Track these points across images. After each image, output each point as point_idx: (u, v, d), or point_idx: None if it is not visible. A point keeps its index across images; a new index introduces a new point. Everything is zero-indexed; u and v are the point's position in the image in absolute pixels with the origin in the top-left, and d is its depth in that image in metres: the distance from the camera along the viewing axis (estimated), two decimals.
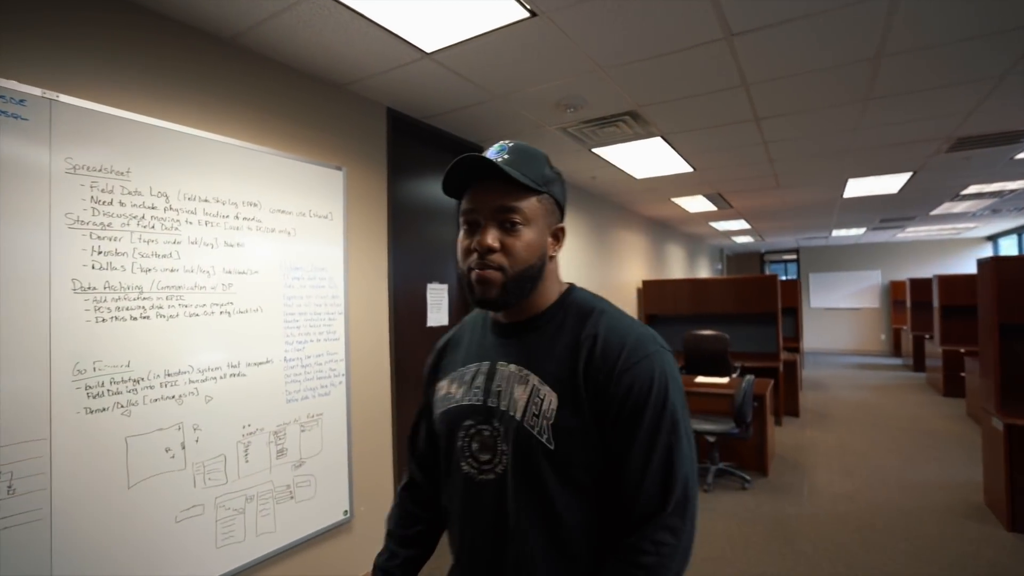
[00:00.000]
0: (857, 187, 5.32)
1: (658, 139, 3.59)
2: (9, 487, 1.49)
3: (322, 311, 2.41)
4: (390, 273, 2.85)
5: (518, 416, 0.80)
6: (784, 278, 10.02)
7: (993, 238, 11.32)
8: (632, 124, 3.27)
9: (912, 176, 4.82)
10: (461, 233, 0.85)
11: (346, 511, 2.46)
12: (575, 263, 5.00)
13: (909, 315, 9.41)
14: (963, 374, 6.95)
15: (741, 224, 8.05)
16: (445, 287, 3.42)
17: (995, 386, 3.35)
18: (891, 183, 5.14)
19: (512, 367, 0.85)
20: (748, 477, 3.97)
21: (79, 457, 1.61)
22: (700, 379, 4.85)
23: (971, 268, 11.77)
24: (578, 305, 0.89)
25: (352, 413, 2.54)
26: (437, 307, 3.35)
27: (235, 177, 2.08)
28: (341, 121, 2.61)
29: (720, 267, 13.05)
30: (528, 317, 0.88)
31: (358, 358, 2.61)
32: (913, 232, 10.01)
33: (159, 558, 1.79)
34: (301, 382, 2.30)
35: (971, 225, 9.07)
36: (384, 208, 2.85)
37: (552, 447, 0.78)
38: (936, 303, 7.42)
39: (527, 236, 0.82)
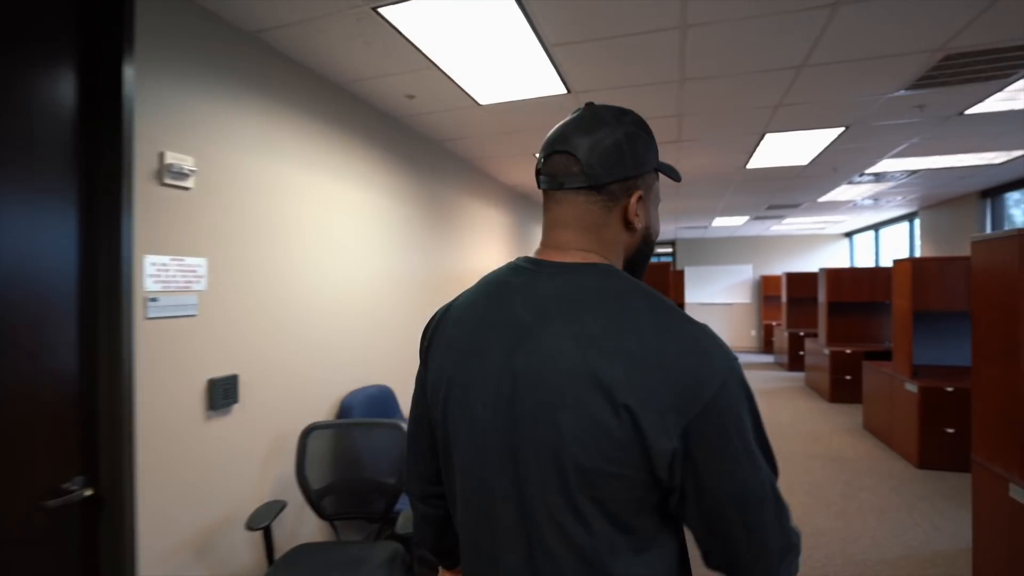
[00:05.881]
0: (768, 151, 4.11)
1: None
2: None
3: None
4: None
5: None
6: None
7: (850, 234, 11.49)
8: None
9: (843, 133, 3.64)
10: (656, 204, 0.82)
11: None
12: (386, 242, 3.15)
13: (785, 311, 8.92)
14: (848, 377, 6.27)
15: None
16: (203, 261, 1.53)
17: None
18: (810, 146, 3.97)
19: None
20: None
21: None
22: None
23: (829, 262, 11.98)
24: None
25: None
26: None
27: None
28: None
29: None
30: None
31: None
32: (787, 225, 9.59)
33: None
34: None
35: (841, 219, 8.74)
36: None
37: None
38: (822, 298, 6.73)
39: None
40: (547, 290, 0.71)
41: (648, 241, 0.80)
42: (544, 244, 0.78)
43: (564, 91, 2.82)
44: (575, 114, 0.77)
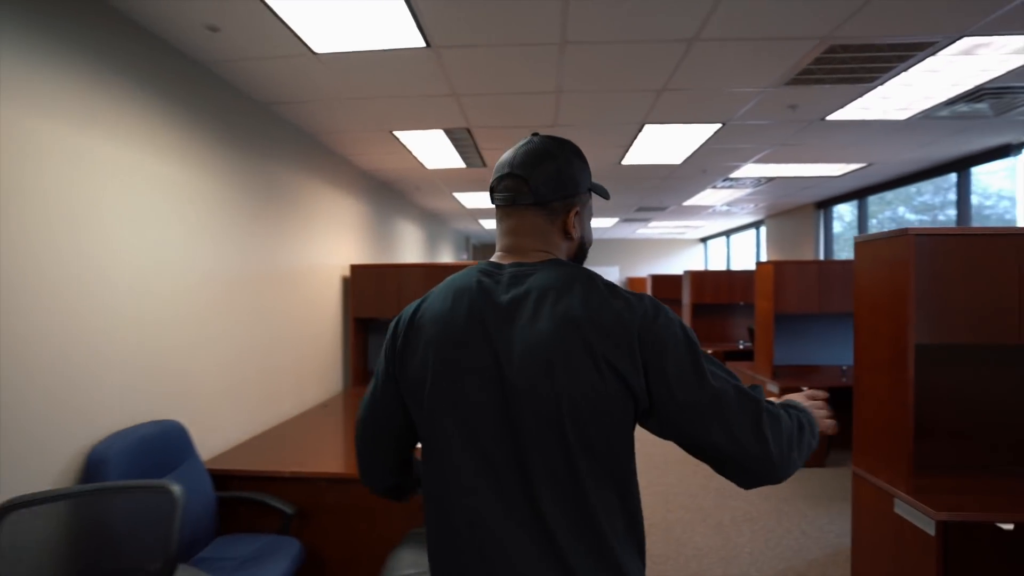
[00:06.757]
0: (645, 146, 3.93)
1: None
2: None
3: None
4: None
5: None
6: None
7: (705, 240, 12.39)
8: None
9: (718, 130, 3.54)
10: (589, 218, 0.98)
11: None
12: (187, 226, 2.33)
13: None
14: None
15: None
16: None
17: None
18: (685, 143, 3.85)
19: None
20: None
21: None
22: None
23: (687, 265, 12.81)
24: None
25: None
26: None
27: None
28: None
29: (466, 257, 11.58)
30: None
31: None
32: (651, 228, 9.97)
33: None
34: None
35: (699, 223, 9.27)
36: None
37: None
38: (686, 300, 6.93)
39: None
40: (517, 283, 0.84)
41: (583, 248, 0.95)
42: (503, 249, 0.92)
43: (423, 44, 2.26)
44: (523, 143, 0.91)
